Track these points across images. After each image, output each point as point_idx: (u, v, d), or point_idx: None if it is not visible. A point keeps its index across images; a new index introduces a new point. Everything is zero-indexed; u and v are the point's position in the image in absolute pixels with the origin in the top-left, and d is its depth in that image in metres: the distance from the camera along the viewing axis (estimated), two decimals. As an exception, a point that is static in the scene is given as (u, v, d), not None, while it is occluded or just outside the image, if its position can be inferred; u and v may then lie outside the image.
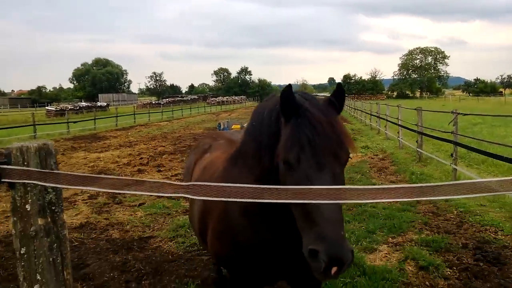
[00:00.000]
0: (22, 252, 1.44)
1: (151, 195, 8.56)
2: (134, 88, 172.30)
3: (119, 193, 8.76)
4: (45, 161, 1.41)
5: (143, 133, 25.06)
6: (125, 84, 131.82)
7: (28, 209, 1.42)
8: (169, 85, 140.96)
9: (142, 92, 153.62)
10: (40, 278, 1.46)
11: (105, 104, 62.86)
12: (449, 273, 4.75)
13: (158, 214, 7.37)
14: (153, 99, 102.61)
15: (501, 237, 5.89)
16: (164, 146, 17.68)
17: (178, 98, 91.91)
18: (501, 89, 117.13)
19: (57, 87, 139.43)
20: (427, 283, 4.49)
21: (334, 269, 1.52)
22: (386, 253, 5.32)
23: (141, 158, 14.19)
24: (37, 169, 1.36)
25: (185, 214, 7.38)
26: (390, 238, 5.89)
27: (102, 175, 1.35)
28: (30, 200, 1.42)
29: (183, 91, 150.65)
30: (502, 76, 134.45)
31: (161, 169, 12.02)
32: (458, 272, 4.77)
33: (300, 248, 2.26)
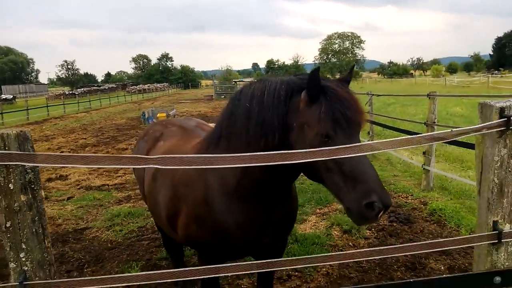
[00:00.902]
0: (8, 226, 1.60)
1: (80, 188, 8.47)
2: (43, 79, 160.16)
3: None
4: (23, 146, 1.55)
5: (60, 126, 23.60)
6: (33, 74, 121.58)
7: (11, 188, 1.57)
8: (83, 73, 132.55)
9: (52, 83, 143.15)
10: (25, 247, 1.63)
11: (11, 96, 57.72)
12: (368, 234, 5.39)
13: (89, 206, 7.26)
14: (66, 90, 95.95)
15: (411, 201, 6.73)
16: (85, 139, 16.94)
17: (95, 88, 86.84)
18: (411, 71, 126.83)
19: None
20: (350, 243, 5.08)
21: (381, 213, 1.87)
22: (315, 222, 5.86)
23: (62, 152, 13.56)
24: (17, 152, 1.50)
25: (119, 204, 7.36)
26: (318, 209, 6.45)
27: (77, 154, 1.51)
28: (12, 180, 1.56)
29: (99, 80, 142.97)
30: (412, 58, 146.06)
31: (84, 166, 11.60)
32: (376, 232, 5.43)
33: (279, 223, 2.56)
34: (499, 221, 1.94)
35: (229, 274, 2.62)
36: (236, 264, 1.79)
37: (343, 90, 2.09)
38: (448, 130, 1.68)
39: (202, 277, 1.71)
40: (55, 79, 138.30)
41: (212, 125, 4.37)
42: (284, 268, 1.96)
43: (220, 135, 2.51)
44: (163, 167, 1.59)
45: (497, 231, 1.92)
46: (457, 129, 1.67)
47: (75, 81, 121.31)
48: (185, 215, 2.71)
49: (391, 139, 1.68)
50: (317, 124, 2.01)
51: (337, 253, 1.98)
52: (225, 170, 2.37)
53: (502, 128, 1.73)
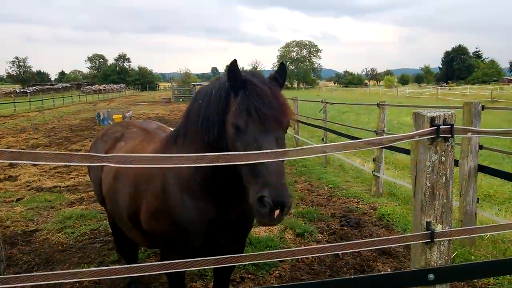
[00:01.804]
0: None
1: (30, 189, 8.18)
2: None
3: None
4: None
5: (10, 125, 22.55)
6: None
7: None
8: (35, 71, 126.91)
9: (2, 80, 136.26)
10: (-24, 244, 1.61)
11: (-44, 93, 54.38)
12: (320, 237, 5.58)
13: (40, 208, 7.02)
14: (17, 87, 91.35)
15: (361, 206, 7.01)
16: (37, 139, 16.31)
17: (48, 86, 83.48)
18: (366, 81, 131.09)
19: None
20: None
21: (277, 212, 1.78)
22: (269, 226, 5.98)
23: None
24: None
25: (71, 206, 7.17)
26: (272, 213, 6.57)
27: (30, 150, 1.54)
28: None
29: (53, 79, 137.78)
30: (367, 69, 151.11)
31: (36, 163, 11.17)
32: (328, 235, 5.63)
33: (234, 224, 2.60)
34: (432, 221, 2.12)
35: (181, 271, 2.65)
36: (189, 260, 1.85)
37: (265, 86, 2.14)
38: (385, 137, 1.84)
39: (150, 273, 1.76)
40: (4, 76, 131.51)
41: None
42: (240, 263, 2.02)
43: (178, 133, 2.62)
44: (116, 165, 1.63)
45: (430, 231, 2.09)
46: (393, 135, 1.84)
47: (27, 79, 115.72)
48: (145, 211, 2.75)
49: (336, 143, 1.82)
50: (232, 116, 2.10)
51: (290, 249, 2.09)
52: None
53: (433, 136, 1.92)
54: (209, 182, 2.44)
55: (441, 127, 1.92)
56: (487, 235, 5.29)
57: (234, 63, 2.12)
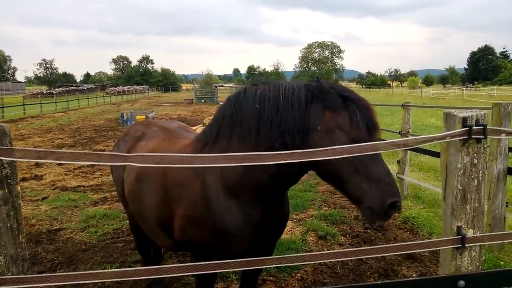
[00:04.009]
0: (-18, 220, 1.59)
1: (55, 188, 8.34)
2: (20, 77, 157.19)
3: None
4: (0, 140, 1.57)
5: (36, 125, 23.08)
6: (9, 72, 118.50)
7: (-13, 182, 1.57)
8: (61, 73, 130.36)
9: (30, 81, 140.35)
10: (-1, 242, 1.63)
11: (-14, 94, 56.22)
12: (343, 240, 5.49)
13: (64, 207, 7.15)
14: (44, 88, 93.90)
15: (385, 209, 6.86)
16: (62, 139, 16.66)
17: (73, 88, 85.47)
18: (389, 82, 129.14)
19: None
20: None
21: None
22: (291, 228, 5.92)
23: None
24: (-7, 147, 1.52)
25: (94, 205, 7.27)
26: (294, 215, 6.52)
27: (56, 150, 1.53)
28: (-12, 174, 1.56)
29: (78, 80, 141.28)
30: (390, 69, 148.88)
31: (62, 162, 11.40)
32: (351, 238, 5.53)
33: (272, 225, 2.59)
34: (463, 226, 2.03)
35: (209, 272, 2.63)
36: (216, 262, 1.83)
37: (364, 100, 2.25)
38: (413, 138, 1.77)
39: (176, 275, 1.74)
40: (32, 78, 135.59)
41: (196, 128, 4.34)
42: (266, 266, 1.99)
43: (217, 135, 2.50)
44: (141, 165, 1.61)
45: (460, 236, 2.00)
46: (422, 136, 1.76)
47: (53, 81, 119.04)
48: (180, 218, 2.62)
49: (362, 144, 1.76)
50: (354, 130, 2.12)
51: (316, 253, 2.04)
52: (225, 168, 2.35)
53: (465, 137, 1.83)
54: (261, 184, 2.36)
55: (474, 128, 1.83)
56: (517, 240, 5.10)
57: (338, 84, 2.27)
